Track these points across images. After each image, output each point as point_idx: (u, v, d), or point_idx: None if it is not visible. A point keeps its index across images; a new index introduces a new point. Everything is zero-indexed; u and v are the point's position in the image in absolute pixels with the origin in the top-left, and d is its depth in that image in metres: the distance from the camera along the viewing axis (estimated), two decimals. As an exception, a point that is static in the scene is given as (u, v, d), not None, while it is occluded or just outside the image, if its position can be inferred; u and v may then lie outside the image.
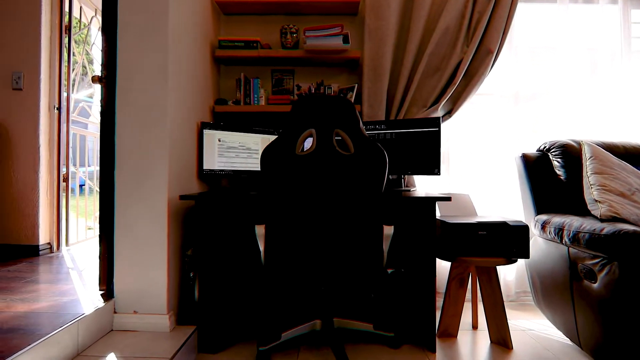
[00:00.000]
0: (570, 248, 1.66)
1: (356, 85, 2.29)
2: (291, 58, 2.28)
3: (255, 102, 2.29)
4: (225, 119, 2.40)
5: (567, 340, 1.86)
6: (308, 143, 1.51)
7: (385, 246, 1.57)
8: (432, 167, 2.07)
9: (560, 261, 1.73)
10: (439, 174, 2.06)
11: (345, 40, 2.16)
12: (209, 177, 2.08)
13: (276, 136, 2.22)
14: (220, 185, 2.32)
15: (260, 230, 1.55)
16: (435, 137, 2.06)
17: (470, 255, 1.77)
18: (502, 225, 1.76)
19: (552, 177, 2.03)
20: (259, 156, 2.20)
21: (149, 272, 1.65)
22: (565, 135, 2.42)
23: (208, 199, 1.71)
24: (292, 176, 1.49)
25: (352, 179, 1.50)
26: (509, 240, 1.75)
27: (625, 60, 2.43)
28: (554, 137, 2.27)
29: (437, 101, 2.30)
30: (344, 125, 1.48)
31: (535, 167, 2.09)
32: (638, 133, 2.44)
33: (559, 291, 1.77)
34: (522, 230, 1.75)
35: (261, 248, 1.55)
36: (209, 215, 1.72)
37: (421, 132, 2.09)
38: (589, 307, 1.54)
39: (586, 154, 1.85)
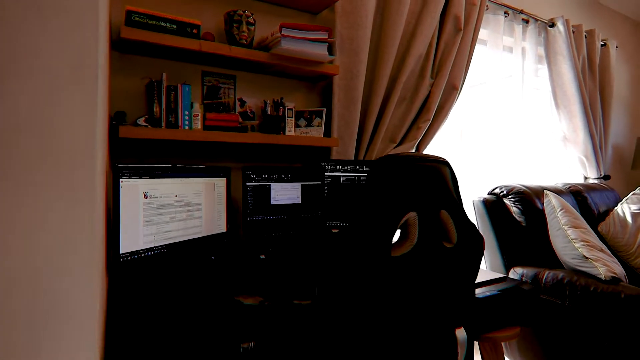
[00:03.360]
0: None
1: (325, 110, 1.72)
2: (240, 60, 1.50)
3: (186, 123, 1.41)
4: (134, 151, 1.40)
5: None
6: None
7: (461, 356, 1.15)
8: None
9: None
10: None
11: (331, 50, 1.57)
12: (129, 267, 1.11)
13: (224, 178, 1.44)
14: (148, 276, 1.31)
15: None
16: (427, 185, 1.74)
17: (493, 330, 1.54)
18: (515, 290, 1.61)
19: (513, 223, 2.04)
20: (203, 215, 1.36)
21: None
22: (503, 175, 2.53)
23: None
24: (388, 294, 0.87)
25: (452, 282, 1.00)
26: (521, 306, 1.62)
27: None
28: (495, 176, 2.34)
29: (405, 137, 1.99)
30: (449, 203, 0.96)
31: (495, 212, 2.07)
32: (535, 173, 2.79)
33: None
34: (533, 294, 1.64)
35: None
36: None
37: (412, 178, 1.73)
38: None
39: (555, 205, 1.92)
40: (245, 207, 1.47)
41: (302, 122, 1.74)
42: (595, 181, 2.98)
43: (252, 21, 1.49)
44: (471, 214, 2.23)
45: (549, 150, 2.96)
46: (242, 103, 1.66)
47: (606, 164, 3.14)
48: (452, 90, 2.07)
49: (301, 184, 1.60)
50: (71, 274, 0.60)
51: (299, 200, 1.59)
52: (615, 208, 2.37)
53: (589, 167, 2.98)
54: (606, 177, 3.08)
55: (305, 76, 1.74)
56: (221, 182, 1.46)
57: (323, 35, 1.51)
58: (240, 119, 1.58)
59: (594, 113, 2.92)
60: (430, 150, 2.10)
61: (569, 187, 2.43)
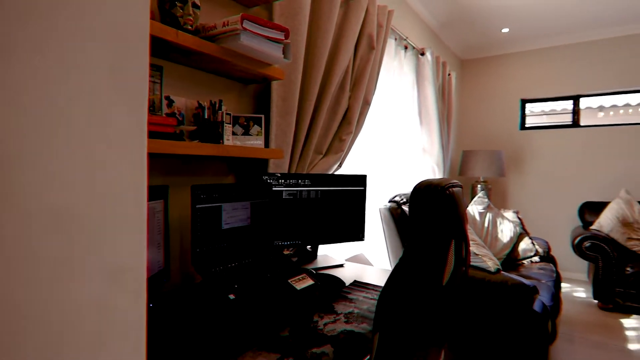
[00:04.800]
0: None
1: (263, 117, 1.55)
2: (178, 49, 1.19)
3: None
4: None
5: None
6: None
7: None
8: (357, 232, 1.78)
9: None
10: (364, 239, 1.81)
11: (286, 53, 1.40)
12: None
13: (161, 200, 1.15)
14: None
15: None
16: (362, 197, 1.79)
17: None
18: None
19: (413, 228, 2.28)
20: (147, 251, 1.02)
21: None
22: (388, 183, 2.77)
23: None
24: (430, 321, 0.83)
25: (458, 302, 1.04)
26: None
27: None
28: (382, 185, 2.56)
29: (329, 148, 1.98)
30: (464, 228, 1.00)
31: (399, 218, 2.28)
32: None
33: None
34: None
35: None
36: None
37: (349, 190, 1.74)
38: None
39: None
40: (195, 235, 1.18)
41: (238, 129, 1.51)
42: (442, 186, 3.63)
43: (198, 3, 1.20)
44: (377, 221, 2.40)
45: (413, 160, 3.45)
46: (170, 103, 1.33)
47: (447, 171, 3.87)
48: (366, 104, 2.17)
49: (250, 203, 1.38)
50: None
51: (248, 222, 1.38)
52: (468, 208, 2.94)
53: (438, 174, 3.61)
54: (447, 182, 3.79)
55: (239, 77, 1.52)
56: (159, 206, 1.13)
57: (280, 36, 1.34)
58: (176, 128, 1.25)
59: (444, 129, 3.55)
60: (347, 161, 2.15)
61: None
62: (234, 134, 1.50)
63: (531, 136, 4.28)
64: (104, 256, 0.35)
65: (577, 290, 3.63)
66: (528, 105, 4.42)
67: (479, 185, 4.06)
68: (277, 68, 1.47)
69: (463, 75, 4.71)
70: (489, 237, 2.75)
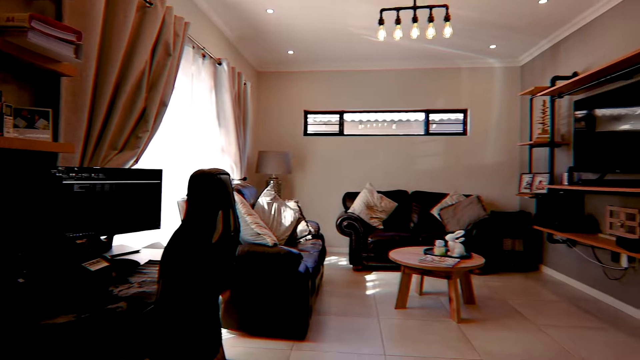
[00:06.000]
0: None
1: (51, 111, 1.58)
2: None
3: None
4: None
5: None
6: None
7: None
8: (154, 221, 2.00)
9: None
10: (160, 228, 2.04)
11: (79, 54, 1.48)
12: None
13: None
14: None
15: None
16: (157, 190, 2.02)
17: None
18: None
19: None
20: None
21: None
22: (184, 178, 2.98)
23: None
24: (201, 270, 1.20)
25: (231, 257, 1.43)
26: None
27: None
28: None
29: (126, 145, 2.09)
30: (232, 203, 1.39)
31: (196, 209, 2.57)
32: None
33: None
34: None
35: None
36: None
37: (145, 184, 1.95)
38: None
39: (236, 200, 2.66)
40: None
41: (20, 122, 1.50)
42: (240, 181, 4.11)
43: (-27, -5, 1.20)
44: (176, 214, 2.62)
45: (212, 158, 3.78)
46: None
47: (244, 169, 4.37)
48: (163, 105, 2.36)
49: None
50: None
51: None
52: (258, 200, 3.49)
53: (236, 171, 4.07)
54: (245, 179, 4.30)
55: (25, 70, 1.51)
56: None
57: (72, 37, 1.44)
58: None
59: (240, 132, 4.02)
60: (149, 157, 2.30)
61: (234, 186, 3.31)
62: (15, 126, 1.48)
63: (312, 141, 5.27)
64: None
65: (341, 260, 4.75)
66: (310, 116, 5.41)
67: (271, 181, 4.74)
68: (67, 65, 1.55)
69: (259, 84, 5.35)
70: (275, 222, 3.36)
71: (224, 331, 2.50)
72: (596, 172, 3.23)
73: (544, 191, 3.89)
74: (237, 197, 2.72)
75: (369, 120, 5.49)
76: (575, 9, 3.42)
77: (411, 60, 4.99)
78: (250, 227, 2.60)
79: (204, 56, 3.21)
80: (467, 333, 2.59)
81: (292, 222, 3.50)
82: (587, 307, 3.13)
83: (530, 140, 4.37)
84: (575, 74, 3.64)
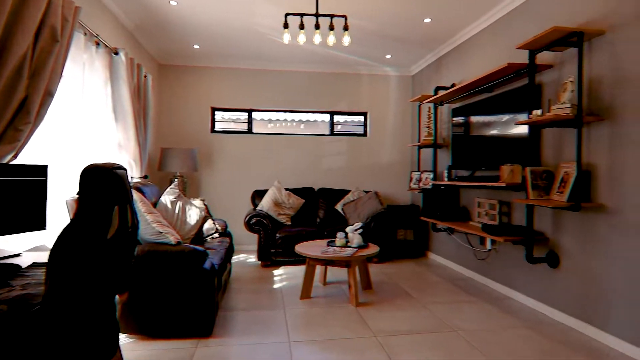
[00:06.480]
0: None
1: None
2: None
3: None
4: None
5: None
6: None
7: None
8: (38, 221, 1.85)
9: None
10: (45, 229, 1.89)
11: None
12: None
13: None
14: None
15: None
16: (42, 187, 1.87)
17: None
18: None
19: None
20: None
21: None
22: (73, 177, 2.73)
23: None
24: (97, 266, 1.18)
25: (129, 254, 1.41)
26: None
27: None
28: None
29: (3, 137, 1.88)
30: (129, 199, 1.37)
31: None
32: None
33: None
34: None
35: None
36: None
37: (26, 180, 1.79)
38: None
39: (135, 198, 2.55)
40: None
41: None
42: (140, 179, 3.88)
43: None
44: (65, 214, 2.41)
45: (108, 155, 3.51)
46: None
47: (145, 167, 4.14)
48: (48, 95, 2.16)
49: None
50: None
51: None
52: (160, 198, 3.36)
53: (136, 169, 3.84)
54: (146, 177, 4.07)
55: None
56: None
57: None
58: None
59: (140, 127, 3.80)
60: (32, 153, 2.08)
61: (133, 184, 3.14)
62: None
63: (220, 138, 5.20)
64: None
65: (250, 257, 4.79)
66: (218, 113, 5.32)
67: (176, 179, 4.57)
68: None
69: (162, 78, 5.09)
70: (179, 221, 3.27)
71: (122, 336, 2.38)
72: (468, 169, 3.82)
73: (429, 187, 4.45)
74: (136, 195, 2.60)
75: (278, 120, 5.60)
76: (453, 29, 3.99)
77: (317, 64, 5.24)
78: (151, 226, 2.51)
79: (97, 44, 2.98)
80: (364, 315, 2.87)
81: (197, 221, 3.44)
82: (462, 285, 3.68)
83: (419, 141, 4.95)
84: (453, 85, 4.24)
